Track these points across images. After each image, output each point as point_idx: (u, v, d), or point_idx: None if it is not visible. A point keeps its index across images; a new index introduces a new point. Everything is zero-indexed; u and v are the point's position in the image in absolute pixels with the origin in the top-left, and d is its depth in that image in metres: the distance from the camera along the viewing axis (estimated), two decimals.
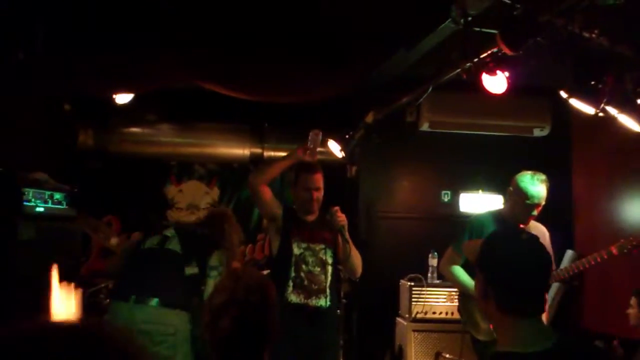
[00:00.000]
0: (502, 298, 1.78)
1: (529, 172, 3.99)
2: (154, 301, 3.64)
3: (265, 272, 5.64)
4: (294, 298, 3.94)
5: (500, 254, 1.84)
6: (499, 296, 1.79)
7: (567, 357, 1.76)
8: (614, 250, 3.90)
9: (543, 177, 3.96)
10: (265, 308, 1.90)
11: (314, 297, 3.95)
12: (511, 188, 4.04)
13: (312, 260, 4.02)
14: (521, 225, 4.03)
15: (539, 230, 4.13)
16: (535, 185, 3.90)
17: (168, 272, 3.79)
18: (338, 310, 4.05)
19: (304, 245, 4.06)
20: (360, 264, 4.10)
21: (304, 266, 4.01)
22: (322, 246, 4.05)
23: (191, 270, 3.78)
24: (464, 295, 4.19)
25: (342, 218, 3.94)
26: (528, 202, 3.89)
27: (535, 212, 3.94)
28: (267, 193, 4.17)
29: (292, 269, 4.00)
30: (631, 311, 4.30)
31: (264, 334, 1.89)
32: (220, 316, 1.84)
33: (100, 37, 4.15)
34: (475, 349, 4.15)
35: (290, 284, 3.96)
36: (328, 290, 3.97)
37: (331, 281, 4.00)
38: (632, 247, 3.87)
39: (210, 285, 3.86)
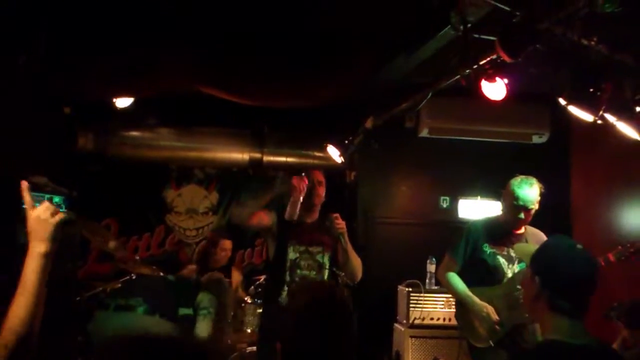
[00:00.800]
0: (556, 301, 1.99)
1: (521, 176, 4.02)
2: (140, 309, 3.63)
3: (263, 277, 5.65)
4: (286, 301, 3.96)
5: (560, 262, 2.04)
6: (553, 298, 1.99)
7: (605, 354, 1.99)
8: (611, 257, 3.88)
9: (534, 180, 3.99)
10: (350, 314, 1.84)
11: None
12: (504, 192, 4.08)
13: (308, 263, 4.05)
14: (515, 231, 4.04)
15: (538, 236, 4.13)
16: (523, 189, 3.93)
17: (154, 280, 3.76)
18: None
19: (301, 248, 4.09)
20: (359, 269, 4.12)
21: (298, 270, 4.05)
22: (320, 249, 4.10)
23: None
24: (460, 302, 4.18)
25: (341, 224, 3.95)
26: (514, 203, 3.92)
27: (522, 216, 3.95)
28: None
29: (287, 273, 4.05)
30: (624, 333, 4.23)
31: (353, 338, 1.83)
32: (304, 321, 1.76)
33: (101, 42, 4.16)
34: (472, 355, 4.14)
35: (285, 288, 4.00)
36: None
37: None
38: (630, 254, 3.86)
39: (201, 323, 3.86)
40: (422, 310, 5.34)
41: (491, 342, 3.87)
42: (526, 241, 4.01)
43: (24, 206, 3.67)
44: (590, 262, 2.05)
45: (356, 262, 4.09)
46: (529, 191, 3.94)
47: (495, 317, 3.90)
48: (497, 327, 3.88)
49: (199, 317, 3.90)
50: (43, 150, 5.08)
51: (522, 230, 4.07)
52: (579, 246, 2.07)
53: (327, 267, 4.06)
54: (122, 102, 5.50)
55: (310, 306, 1.80)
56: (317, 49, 4.26)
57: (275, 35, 4.19)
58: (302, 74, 4.60)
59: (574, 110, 3.59)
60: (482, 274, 4.01)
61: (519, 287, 3.80)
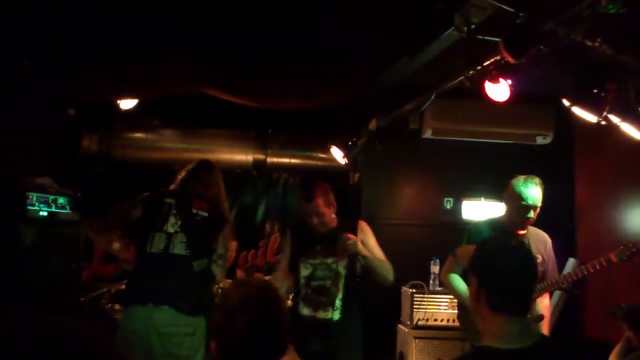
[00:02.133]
0: (493, 299, 1.97)
1: (523, 175, 4.02)
2: (172, 309, 3.61)
3: (267, 277, 5.65)
4: (304, 311, 4.04)
5: (491, 259, 2.05)
6: (490, 297, 1.98)
7: (540, 356, 1.93)
8: (613, 258, 3.88)
9: (537, 180, 3.98)
10: (279, 306, 1.88)
11: (321, 310, 4.02)
12: (506, 193, 4.08)
13: (324, 274, 4.06)
14: (519, 231, 4.04)
15: (540, 237, 4.14)
16: (529, 188, 3.93)
17: (179, 281, 3.71)
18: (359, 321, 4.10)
19: (316, 261, 4.09)
20: (389, 274, 4.10)
21: (313, 282, 4.08)
22: (334, 259, 4.08)
23: (199, 265, 3.73)
24: (461, 304, 4.19)
25: (353, 242, 3.94)
26: (523, 203, 3.92)
27: (531, 215, 3.95)
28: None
29: (303, 287, 4.10)
30: (629, 334, 4.23)
31: (279, 336, 1.86)
32: (234, 316, 1.79)
33: (105, 44, 4.17)
34: None
35: (301, 298, 4.09)
36: (338, 303, 4.01)
37: (344, 293, 4.04)
38: (632, 254, 3.85)
39: (218, 273, 3.85)
40: (425, 312, 5.34)
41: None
42: (529, 241, 4.03)
43: (29, 207, 3.70)
44: (524, 257, 2.06)
45: (382, 269, 4.08)
46: (535, 190, 3.93)
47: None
48: None
49: (215, 266, 3.85)
50: (47, 152, 5.09)
51: (524, 231, 4.07)
52: (514, 243, 2.20)
53: (342, 275, 4.04)
54: (126, 104, 5.51)
55: (241, 301, 1.85)
56: (319, 51, 4.27)
57: (278, 38, 4.20)
58: (306, 76, 4.60)
59: (578, 111, 3.59)
60: None
61: None
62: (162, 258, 3.68)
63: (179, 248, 3.69)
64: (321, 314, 4.02)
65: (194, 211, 3.82)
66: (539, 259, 3.98)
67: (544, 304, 4.09)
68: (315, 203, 4.07)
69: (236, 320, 1.79)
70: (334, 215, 4.21)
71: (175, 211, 3.78)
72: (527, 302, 2.06)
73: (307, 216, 4.12)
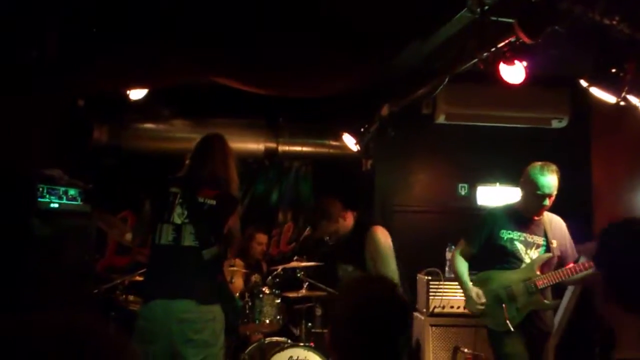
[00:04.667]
0: (623, 295, 1.64)
1: (540, 162, 4.00)
2: (188, 300, 3.58)
3: (280, 267, 5.63)
4: None
5: (617, 249, 1.68)
6: (620, 294, 1.64)
7: None
8: None
9: (553, 167, 3.96)
10: (405, 306, 1.82)
11: None
12: (522, 180, 4.07)
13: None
14: (535, 218, 4.03)
15: (556, 222, 4.12)
16: (545, 176, 3.90)
17: (193, 273, 3.67)
18: None
19: (343, 266, 4.33)
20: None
21: None
22: (353, 268, 4.29)
23: (209, 253, 3.68)
24: (477, 284, 4.16)
25: None
26: (539, 192, 3.91)
27: (546, 203, 3.94)
28: None
29: None
30: None
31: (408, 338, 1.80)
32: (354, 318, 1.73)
33: (114, 34, 4.13)
34: (491, 340, 4.15)
35: None
36: None
37: None
38: None
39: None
40: (442, 299, 5.28)
41: (510, 327, 3.88)
42: (544, 227, 4.03)
43: (40, 199, 3.68)
44: None
45: None
46: (551, 178, 3.91)
47: (481, 300, 4.02)
48: (479, 307, 4.02)
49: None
50: (58, 143, 5.08)
51: (540, 217, 4.06)
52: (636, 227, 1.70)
53: None
54: (136, 94, 5.48)
55: (369, 300, 1.74)
56: (330, 36, 4.21)
57: (289, 24, 4.14)
58: (316, 63, 4.54)
59: (595, 92, 3.51)
60: (501, 259, 4.03)
61: (538, 272, 3.86)
62: (174, 250, 3.63)
63: (188, 240, 3.63)
64: None
65: (201, 200, 3.73)
66: (554, 244, 3.97)
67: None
68: (323, 226, 4.37)
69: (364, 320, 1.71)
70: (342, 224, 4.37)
71: (180, 201, 3.71)
72: None
73: (326, 233, 4.35)
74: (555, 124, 5.87)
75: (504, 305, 3.95)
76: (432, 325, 5.30)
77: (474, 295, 4.06)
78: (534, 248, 4.00)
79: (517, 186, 5.81)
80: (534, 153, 6.06)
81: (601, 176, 5.99)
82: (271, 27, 4.16)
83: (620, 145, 5.66)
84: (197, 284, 3.60)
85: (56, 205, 3.78)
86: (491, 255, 4.10)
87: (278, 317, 5.27)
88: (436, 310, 5.27)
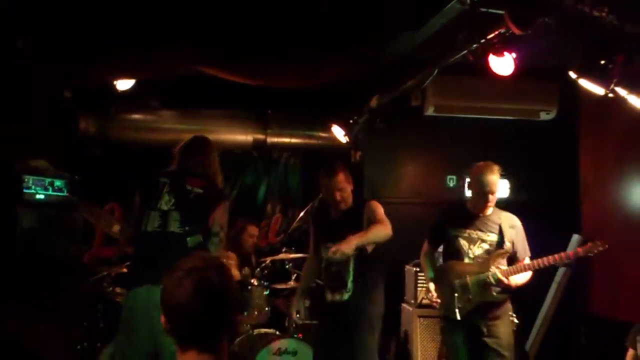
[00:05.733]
0: None
1: (482, 163, 4.26)
2: None
3: (269, 259, 5.63)
4: (327, 295, 4.27)
5: None
6: None
7: None
8: (581, 252, 4.06)
9: (495, 167, 4.21)
10: (225, 275, 1.88)
11: (337, 293, 4.22)
12: (469, 180, 4.41)
13: (340, 259, 4.16)
14: (480, 214, 4.23)
15: (510, 220, 4.26)
16: (488, 175, 4.15)
17: (176, 259, 3.65)
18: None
19: (332, 245, 4.16)
20: (384, 234, 4.18)
21: (333, 267, 4.24)
22: None
23: (194, 241, 3.70)
24: (437, 275, 4.42)
25: (337, 251, 4.01)
26: (484, 190, 4.16)
27: (490, 199, 4.17)
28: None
29: (323, 271, 4.32)
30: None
31: (225, 306, 1.86)
32: (181, 282, 1.82)
33: (101, 24, 4.09)
34: (442, 333, 4.49)
35: (323, 282, 4.32)
36: (350, 284, 4.18)
37: (354, 274, 4.19)
38: (599, 252, 4.04)
39: (213, 251, 3.88)
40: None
41: (457, 316, 4.09)
42: (500, 225, 4.20)
43: (25, 190, 3.64)
44: None
45: (378, 238, 4.18)
46: (493, 177, 4.17)
47: (431, 294, 4.44)
48: (433, 300, 4.45)
49: (210, 244, 3.87)
50: (44, 134, 5.03)
51: (488, 212, 4.24)
52: None
53: (352, 257, 4.16)
54: (123, 85, 5.43)
55: (188, 269, 1.86)
56: (320, 26, 4.19)
57: (277, 15, 4.11)
58: (306, 53, 4.52)
59: (584, 83, 3.51)
60: (451, 254, 4.30)
61: (492, 268, 4.07)
62: (158, 236, 3.64)
63: (174, 226, 3.65)
64: (337, 297, 4.22)
65: (188, 188, 3.78)
66: (506, 241, 4.15)
67: (519, 281, 4.18)
68: (337, 178, 4.23)
69: (183, 285, 1.82)
70: (350, 192, 4.35)
71: (168, 189, 3.75)
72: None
73: (329, 192, 4.25)
74: (543, 116, 5.89)
75: (456, 294, 4.14)
76: (420, 317, 5.33)
77: (431, 289, 4.45)
78: (478, 243, 4.20)
79: (505, 178, 5.88)
80: (522, 145, 6.12)
81: (589, 168, 6.02)
82: (260, 17, 4.13)
83: (608, 138, 5.69)
84: None
85: (42, 197, 3.74)
86: (446, 250, 4.39)
87: (266, 308, 5.27)
88: (424, 301, 5.29)
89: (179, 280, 1.83)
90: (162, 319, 1.87)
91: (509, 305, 4.24)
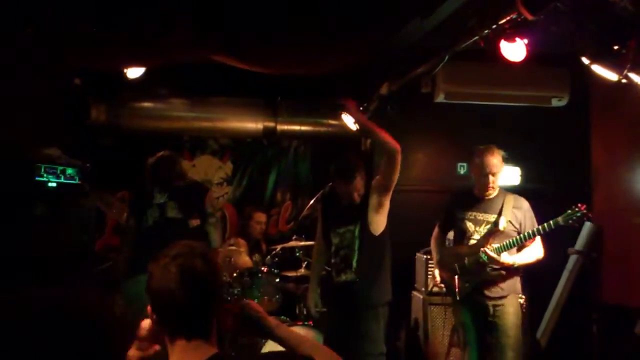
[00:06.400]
0: None
1: (483, 146, 4.35)
2: None
3: (279, 246, 5.64)
4: (335, 278, 4.32)
5: None
6: None
7: None
8: (560, 221, 4.08)
9: (495, 149, 4.30)
10: (210, 261, 1.89)
11: (342, 273, 4.26)
12: (472, 163, 4.46)
13: (348, 242, 4.25)
14: (485, 196, 4.32)
15: (515, 201, 4.32)
16: (489, 157, 4.24)
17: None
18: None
19: (341, 230, 4.28)
20: (389, 141, 4.17)
21: (342, 251, 4.28)
22: (353, 226, 4.25)
23: (193, 223, 3.88)
24: (442, 260, 4.54)
25: (349, 107, 4.25)
26: (485, 172, 4.24)
27: (491, 180, 4.25)
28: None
29: (333, 255, 4.34)
30: None
31: (211, 293, 1.87)
32: (167, 268, 1.83)
33: (111, 11, 4.08)
34: (452, 310, 4.70)
35: (332, 266, 4.35)
36: (355, 265, 4.21)
37: (359, 254, 4.21)
38: (578, 217, 4.03)
39: (212, 232, 4.01)
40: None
41: (457, 296, 4.30)
42: (502, 206, 4.28)
43: (38, 178, 3.66)
44: None
45: (381, 136, 4.18)
46: (494, 158, 4.24)
47: (435, 279, 4.62)
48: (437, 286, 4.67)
49: (209, 225, 4.06)
50: (55, 122, 5.04)
51: (493, 195, 4.33)
52: None
53: (357, 239, 4.22)
54: (133, 73, 5.43)
55: (174, 255, 1.87)
56: (330, 13, 4.16)
57: (287, 2, 4.09)
58: (316, 40, 4.50)
59: (597, 69, 3.48)
60: (459, 236, 4.44)
61: (484, 248, 4.17)
62: (159, 224, 3.83)
63: (172, 212, 3.87)
64: (342, 277, 4.26)
65: (176, 184, 4.19)
66: (503, 220, 4.21)
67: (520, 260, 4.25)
68: (356, 181, 4.19)
69: (169, 271, 1.82)
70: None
71: (158, 189, 4.07)
72: None
73: (347, 193, 4.22)
74: (555, 102, 5.84)
75: (456, 276, 4.29)
76: (430, 304, 5.32)
77: (436, 274, 4.62)
78: (483, 225, 4.30)
79: (516, 165, 5.85)
80: (533, 132, 6.08)
81: (600, 155, 5.98)
82: (271, 4, 4.11)
83: (619, 123, 5.64)
84: None
85: (54, 185, 3.76)
86: (454, 234, 4.54)
87: (277, 296, 5.28)
88: (435, 289, 5.28)
89: (164, 266, 1.83)
90: (148, 308, 1.86)
91: (516, 286, 4.29)
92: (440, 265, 4.55)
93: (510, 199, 4.31)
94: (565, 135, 6.10)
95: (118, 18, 4.10)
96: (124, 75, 5.42)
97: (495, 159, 4.25)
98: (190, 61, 5.39)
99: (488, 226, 4.27)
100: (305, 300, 4.75)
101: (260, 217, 6.03)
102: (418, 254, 5.58)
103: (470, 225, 4.33)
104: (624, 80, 3.37)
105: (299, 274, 5.52)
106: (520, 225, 4.24)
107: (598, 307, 5.64)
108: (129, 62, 5.11)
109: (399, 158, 4.10)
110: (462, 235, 4.37)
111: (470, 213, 4.34)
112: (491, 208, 4.30)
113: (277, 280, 5.32)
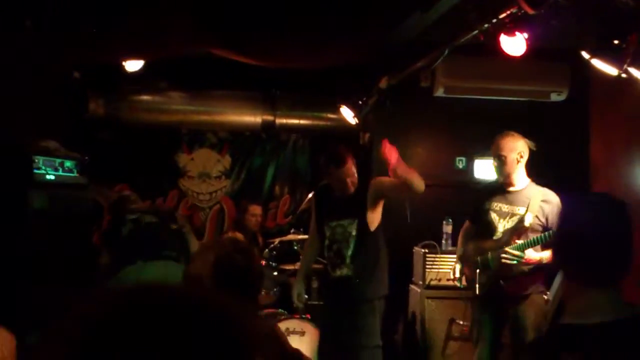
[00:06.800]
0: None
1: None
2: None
3: (277, 239, 5.64)
4: (330, 273, 4.33)
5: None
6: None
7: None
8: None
9: (510, 132, 4.22)
10: (249, 256, 1.96)
11: (337, 269, 4.28)
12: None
13: (341, 237, 4.27)
14: (509, 187, 4.18)
15: (544, 197, 4.16)
16: (496, 140, 4.17)
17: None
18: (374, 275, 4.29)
19: (333, 223, 4.30)
20: (417, 183, 4.21)
21: (335, 245, 4.29)
22: (349, 221, 4.27)
23: (173, 226, 3.85)
24: (464, 254, 4.42)
25: (390, 155, 4.11)
26: (493, 155, 4.18)
27: (496, 164, 4.16)
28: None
29: (326, 249, 4.36)
30: None
31: (242, 285, 1.89)
32: (206, 255, 1.90)
33: (109, 4, 4.07)
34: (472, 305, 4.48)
35: (326, 259, 4.37)
36: (348, 260, 4.24)
37: (354, 250, 4.23)
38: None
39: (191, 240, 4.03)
40: (438, 272, 5.30)
41: (477, 291, 4.12)
42: (530, 200, 4.12)
43: (36, 171, 3.65)
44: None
45: (412, 179, 4.19)
46: (500, 140, 4.15)
47: (455, 274, 4.46)
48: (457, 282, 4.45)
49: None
50: (54, 115, 5.03)
51: (517, 187, 4.18)
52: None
53: (353, 235, 4.23)
54: (132, 66, 5.42)
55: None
56: (330, 7, 4.15)
57: None
58: (316, 34, 4.49)
59: (597, 63, 3.47)
60: (484, 229, 4.27)
61: (511, 242, 4.03)
62: (134, 230, 3.85)
63: (148, 217, 3.89)
64: (338, 272, 4.27)
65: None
66: (529, 216, 4.06)
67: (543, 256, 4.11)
68: (348, 166, 4.21)
69: (207, 259, 1.89)
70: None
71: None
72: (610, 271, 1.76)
73: (340, 180, 4.23)
74: (554, 97, 5.83)
75: (477, 270, 4.13)
76: (428, 298, 5.33)
77: (456, 269, 4.46)
78: (508, 217, 4.16)
79: None
80: (532, 126, 6.06)
81: (599, 150, 5.98)
82: None
83: (619, 119, 5.64)
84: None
85: (52, 177, 3.75)
86: (479, 226, 4.36)
87: (274, 289, 5.29)
88: (432, 282, 5.29)
89: (204, 255, 1.90)
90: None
91: (539, 285, 4.16)
92: (464, 259, 4.40)
93: (540, 192, 4.16)
94: (564, 130, 6.10)
95: (118, 11, 4.09)
96: (122, 69, 5.41)
97: (504, 142, 4.12)
98: (189, 54, 5.38)
99: (513, 218, 4.12)
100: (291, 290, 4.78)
101: (256, 209, 6.03)
102: (416, 248, 5.58)
103: (494, 217, 4.19)
104: (623, 75, 3.36)
105: (296, 267, 5.52)
106: (546, 219, 4.06)
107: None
108: (128, 55, 5.09)
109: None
110: (487, 227, 4.22)
111: (495, 204, 4.19)
112: (518, 200, 4.14)
113: (275, 273, 5.33)
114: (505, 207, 4.18)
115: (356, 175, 4.29)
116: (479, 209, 4.32)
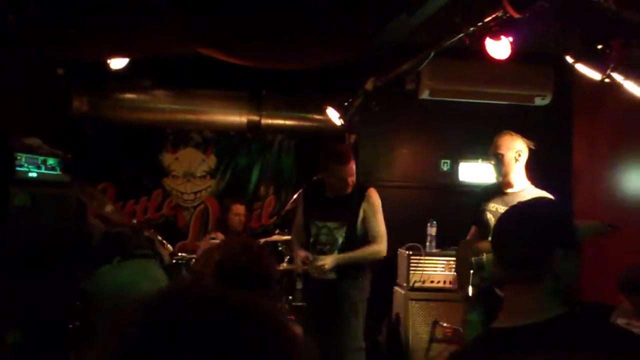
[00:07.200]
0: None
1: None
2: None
3: (262, 240, 5.62)
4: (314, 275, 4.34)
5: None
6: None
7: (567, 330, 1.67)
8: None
9: (507, 132, 4.18)
10: (255, 257, 1.96)
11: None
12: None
13: (326, 238, 4.28)
14: (507, 189, 4.15)
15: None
16: (494, 139, 4.16)
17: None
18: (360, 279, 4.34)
19: (320, 224, 4.31)
20: (375, 254, 4.34)
21: (318, 246, 4.31)
22: (337, 225, 4.30)
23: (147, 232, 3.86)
24: (458, 253, 4.46)
25: (320, 269, 4.16)
26: (490, 153, 4.16)
27: (493, 163, 4.14)
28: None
29: (310, 246, 4.35)
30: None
31: (244, 284, 1.88)
32: (211, 254, 1.93)
33: (95, 0, 4.04)
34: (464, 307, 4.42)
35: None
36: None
37: (340, 254, 4.26)
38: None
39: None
40: (422, 274, 5.31)
41: (469, 292, 4.10)
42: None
43: (18, 168, 3.61)
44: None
45: (367, 259, 4.33)
46: (497, 139, 4.13)
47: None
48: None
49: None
50: (37, 112, 4.99)
51: (515, 189, 4.14)
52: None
53: (339, 242, 4.26)
54: (117, 64, 5.38)
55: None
56: (316, 8, 4.15)
57: None
58: (303, 35, 4.49)
59: (581, 68, 3.50)
60: (482, 230, 4.24)
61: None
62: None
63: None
64: (321, 275, 4.27)
65: None
66: None
67: None
68: (350, 164, 4.24)
69: (211, 256, 1.91)
70: None
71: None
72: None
73: (341, 178, 4.24)
74: (538, 101, 5.88)
75: (471, 271, 4.11)
76: (412, 300, 5.34)
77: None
78: None
79: None
80: (516, 130, 6.09)
81: (582, 154, 6.04)
82: None
83: (601, 123, 5.69)
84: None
85: (35, 175, 3.71)
86: (479, 228, 4.31)
87: None
88: (416, 284, 5.31)
89: (209, 253, 1.92)
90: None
91: None
92: (457, 259, 4.41)
93: (537, 195, 4.06)
94: (547, 134, 6.14)
95: (103, 8, 4.06)
96: (107, 66, 5.37)
97: (501, 140, 4.10)
98: (175, 53, 5.36)
99: None
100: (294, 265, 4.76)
101: (239, 209, 6.02)
102: (400, 250, 5.60)
103: (490, 218, 4.14)
104: (607, 80, 3.40)
105: (281, 268, 5.51)
106: None
107: (574, 304, 5.69)
108: (112, 52, 5.06)
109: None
110: (485, 228, 4.17)
111: (492, 205, 4.16)
112: (515, 202, 3.99)
113: None
114: (502, 209, 4.12)
115: (355, 177, 4.31)
116: (478, 211, 4.28)
